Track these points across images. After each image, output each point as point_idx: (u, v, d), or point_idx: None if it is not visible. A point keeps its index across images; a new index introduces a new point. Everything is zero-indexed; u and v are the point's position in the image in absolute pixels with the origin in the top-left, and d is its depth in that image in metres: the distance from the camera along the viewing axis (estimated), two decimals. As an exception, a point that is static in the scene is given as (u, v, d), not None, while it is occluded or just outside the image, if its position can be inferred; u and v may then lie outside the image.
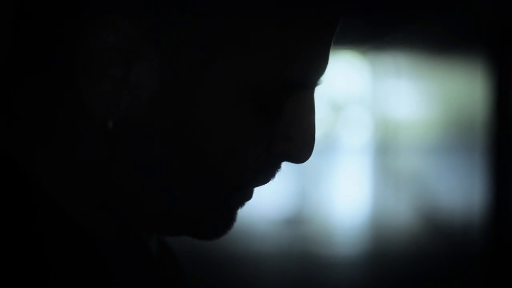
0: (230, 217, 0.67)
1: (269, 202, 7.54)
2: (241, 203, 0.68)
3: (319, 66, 0.64)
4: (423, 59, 9.80)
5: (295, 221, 8.36)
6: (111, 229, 0.65)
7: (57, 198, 0.61)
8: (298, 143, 0.65)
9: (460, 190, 7.05)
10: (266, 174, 0.66)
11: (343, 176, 14.39)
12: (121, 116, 0.59)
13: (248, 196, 0.68)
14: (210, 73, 0.59)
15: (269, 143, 0.64)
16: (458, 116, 7.38)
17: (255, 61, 0.59)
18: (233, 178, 0.63)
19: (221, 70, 0.59)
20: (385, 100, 14.65)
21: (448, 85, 8.00)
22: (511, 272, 5.15)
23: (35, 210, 0.60)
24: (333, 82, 19.29)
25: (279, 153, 0.65)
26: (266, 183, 0.67)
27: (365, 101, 18.55)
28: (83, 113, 0.60)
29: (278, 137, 0.64)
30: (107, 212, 0.64)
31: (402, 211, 9.67)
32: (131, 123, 0.60)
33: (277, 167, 0.67)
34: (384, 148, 14.89)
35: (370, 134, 17.70)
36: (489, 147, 5.82)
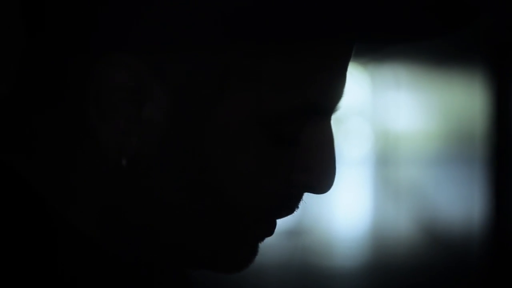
0: (251, 250, 0.65)
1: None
2: (262, 237, 0.65)
3: (334, 92, 0.63)
4: (422, 71, 9.80)
5: (295, 232, 8.34)
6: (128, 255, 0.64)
7: (77, 229, 0.61)
8: (319, 174, 0.62)
9: (460, 201, 7.04)
10: (287, 206, 0.64)
11: (344, 187, 14.36)
12: (133, 154, 0.58)
13: (270, 229, 0.65)
14: (221, 107, 0.57)
15: (289, 175, 0.61)
16: (457, 128, 7.38)
17: (267, 93, 0.57)
18: (251, 211, 0.61)
19: (231, 104, 0.57)
20: (385, 111, 14.62)
21: (448, 97, 7.99)
22: (510, 284, 5.14)
23: (61, 247, 0.59)
24: None
25: (299, 185, 0.63)
26: (288, 215, 0.65)
27: (365, 112, 18.51)
28: (96, 150, 0.59)
29: (298, 168, 0.62)
30: (124, 248, 0.62)
31: (402, 222, 9.66)
32: (143, 161, 0.59)
33: (298, 198, 0.65)
34: (384, 160, 14.85)
35: (370, 145, 17.68)
36: (488, 158, 5.81)
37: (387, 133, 14.36)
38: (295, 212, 0.66)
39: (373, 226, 9.76)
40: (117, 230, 0.61)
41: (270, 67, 0.57)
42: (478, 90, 6.20)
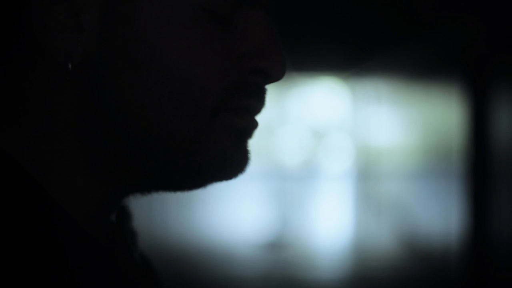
0: (239, 149, 0.68)
1: (251, 227, 7.52)
2: (238, 126, 0.67)
3: None
4: (402, 86, 9.82)
5: (277, 246, 8.34)
6: (101, 228, 0.67)
7: (46, 185, 0.63)
8: (268, 57, 0.65)
9: (439, 215, 7.06)
10: (249, 94, 0.67)
11: (325, 202, 14.36)
12: (80, 56, 0.63)
13: (245, 122, 0.68)
14: None
15: (237, 58, 0.65)
16: (436, 142, 7.40)
17: None
18: (214, 92, 0.64)
19: None
20: (366, 126, 14.63)
21: (427, 111, 8.00)
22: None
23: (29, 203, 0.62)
24: (314, 108, 19.27)
25: (253, 71, 0.66)
26: (256, 108, 0.68)
27: (346, 127, 18.53)
28: (46, 65, 0.64)
29: (247, 53, 0.66)
30: (99, 180, 0.65)
31: (383, 236, 9.67)
32: (93, 64, 0.63)
33: (259, 87, 0.68)
34: (365, 174, 14.87)
35: (351, 160, 17.70)
36: (466, 172, 5.84)
37: (368, 147, 14.39)
38: (261, 107, 0.69)
39: (354, 239, 9.77)
40: (88, 150, 0.64)
41: None
42: (456, 105, 6.23)
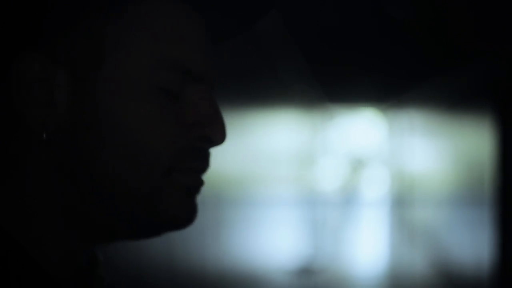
0: (186, 203, 0.76)
1: (285, 253, 7.46)
2: (188, 188, 0.75)
3: (189, 52, 0.74)
4: (435, 117, 9.81)
5: (311, 272, 8.26)
6: (68, 271, 0.74)
7: (13, 231, 0.71)
8: (211, 126, 0.74)
9: (471, 243, 6.96)
10: (194, 157, 0.75)
11: (360, 228, 14.27)
12: (54, 128, 0.71)
13: (193, 181, 0.76)
14: (105, 70, 0.71)
15: (185, 127, 0.74)
16: (468, 171, 7.36)
17: (136, 52, 0.72)
18: (160, 156, 0.72)
19: (112, 66, 0.71)
20: (401, 155, 14.66)
21: (459, 141, 7.99)
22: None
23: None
24: (352, 137, 19.37)
25: (197, 137, 0.75)
26: (200, 169, 0.77)
27: (382, 156, 18.53)
28: (23, 133, 0.72)
29: (193, 123, 0.74)
30: (71, 235, 0.73)
31: (416, 263, 9.57)
32: (64, 132, 0.72)
33: (203, 152, 0.76)
34: (400, 202, 14.82)
35: (387, 187, 17.66)
36: (497, 201, 5.77)
37: (403, 176, 14.36)
38: (206, 167, 0.77)
39: (388, 265, 9.64)
40: (57, 206, 0.72)
41: (129, 34, 0.71)
42: (488, 135, 6.18)
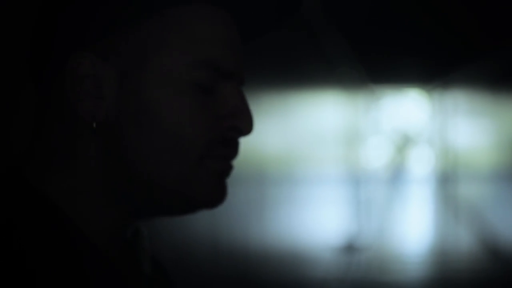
0: (217, 185, 0.82)
1: (331, 230, 7.42)
2: (219, 172, 0.82)
3: (226, 54, 0.80)
4: (479, 97, 9.76)
5: (356, 249, 8.20)
6: (115, 244, 0.81)
7: (67, 208, 0.78)
8: (241, 118, 0.81)
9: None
10: (226, 145, 0.81)
11: (407, 206, 14.18)
12: (102, 117, 0.78)
13: (223, 166, 0.82)
14: (149, 69, 0.78)
15: (217, 119, 0.80)
16: (510, 148, 7.31)
17: (177, 53, 0.78)
18: (195, 145, 0.78)
19: (156, 65, 0.78)
20: (447, 134, 14.60)
21: (501, 120, 7.93)
22: None
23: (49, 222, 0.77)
24: (398, 117, 19.37)
25: (229, 127, 0.81)
26: (231, 156, 0.83)
27: (428, 135, 18.45)
28: (76, 123, 0.79)
29: (225, 115, 0.81)
30: (114, 209, 0.80)
31: (462, 239, 9.48)
32: (111, 123, 0.78)
33: (233, 141, 0.83)
34: (445, 179, 14.74)
35: (432, 166, 17.58)
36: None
37: (448, 154, 14.29)
38: (235, 155, 0.83)
39: (433, 242, 9.54)
40: (105, 188, 0.79)
41: (170, 36, 0.78)
42: None
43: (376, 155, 19.20)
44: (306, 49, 5.60)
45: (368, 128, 16.74)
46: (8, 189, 0.79)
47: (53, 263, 0.73)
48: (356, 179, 11.44)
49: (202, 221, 2.56)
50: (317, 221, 6.20)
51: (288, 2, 0.87)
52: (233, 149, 0.83)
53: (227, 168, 0.83)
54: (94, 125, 0.78)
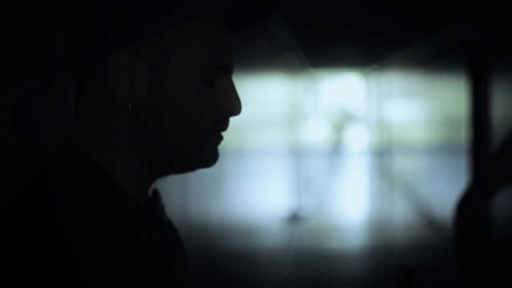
0: (214, 151, 1.00)
1: (278, 202, 7.41)
2: (217, 141, 0.99)
3: (224, 57, 0.98)
4: (413, 78, 9.83)
5: (301, 219, 8.22)
6: (144, 199, 0.99)
7: (110, 171, 0.94)
8: (232, 102, 0.99)
9: (447, 188, 6.90)
10: (221, 123, 0.99)
11: (346, 176, 14.27)
12: (136, 102, 0.93)
13: (219, 137, 1.00)
14: (172, 64, 0.94)
15: (216, 104, 0.97)
16: (443, 123, 7.33)
17: (193, 55, 0.95)
18: (203, 123, 0.95)
19: (177, 62, 0.94)
20: (381, 112, 14.71)
21: (433, 98, 7.97)
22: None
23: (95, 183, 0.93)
24: (339, 96, 19.51)
25: (224, 110, 0.98)
26: (224, 129, 1.00)
27: (365, 113, 18.63)
28: (114, 105, 0.94)
29: (221, 100, 0.98)
30: (143, 171, 0.97)
31: (398, 208, 9.54)
32: (143, 105, 0.94)
33: (226, 120, 1.00)
34: (381, 153, 14.88)
35: (370, 141, 17.72)
36: (470, 147, 5.72)
37: (382, 129, 14.42)
38: (226, 129, 1.01)
39: (371, 211, 9.60)
40: (138, 153, 0.95)
41: (186, 41, 0.95)
42: (461, 90, 6.12)
43: (317, 132, 19.34)
44: (255, 37, 5.57)
45: (309, 107, 16.83)
46: (64, 158, 0.95)
47: (103, 210, 0.90)
48: (299, 154, 11.48)
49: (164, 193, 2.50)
50: (264, 194, 6.17)
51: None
52: (226, 125, 1.01)
53: (220, 139, 1.01)
54: (129, 106, 0.93)
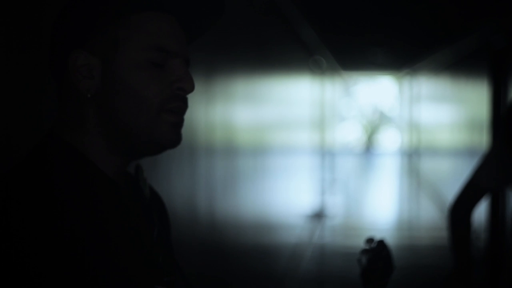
0: (174, 131, 1.03)
1: (303, 200, 7.33)
2: (174, 120, 1.03)
3: (167, 39, 1.05)
4: (440, 83, 9.78)
5: (328, 217, 8.12)
6: (120, 176, 1.05)
7: (86, 153, 1.02)
8: (184, 81, 1.03)
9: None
10: (176, 101, 1.03)
11: (378, 176, 14.12)
12: (95, 91, 1.01)
13: (176, 116, 1.03)
14: (120, 52, 1.02)
15: (169, 84, 1.02)
16: (467, 125, 7.23)
17: (137, 41, 1.02)
18: (155, 102, 1.01)
19: (125, 50, 1.02)
20: (412, 115, 14.65)
21: (461, 102, 7.89)
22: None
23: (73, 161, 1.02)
24: (374, 99, 19.47)
25: (177, 88, 1.03)
26: (181, 108, 1.04)
27: (397, 115, 18.51)
28: (78, 95, 1.02)
29: (173, 80, 1.03)
30: (114, 153, 1.03)
31: (424, 207, 9.40)
32: (101, 93, 1.01)
33: (181, 98, 1.04)
34: (410, 153, 14.78)
35: (400, 141, 17.63)
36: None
37: (415, 131, 14.33)
38: (185, 108, 1.06)
39: (398, 212, 9.45)
40: (103, 135, 1.02)
41: (132, 32, 1.04)
42: (484, 95, 6.01)
43: (350, 132, 19.23)
44: (287, 42, 5.50)
45: (344, 108, 16.74)
46: (50, 144, 1.04)
47: (81, 188, 0.97)
48: (332, 154, 11.38)
49: (182, 190, 2.42)
50: (292, 192, 6.08)
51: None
52: (183, 103, 1.05)
53: (180, 121, 1.04)
54: (89, 95, 1.01)
